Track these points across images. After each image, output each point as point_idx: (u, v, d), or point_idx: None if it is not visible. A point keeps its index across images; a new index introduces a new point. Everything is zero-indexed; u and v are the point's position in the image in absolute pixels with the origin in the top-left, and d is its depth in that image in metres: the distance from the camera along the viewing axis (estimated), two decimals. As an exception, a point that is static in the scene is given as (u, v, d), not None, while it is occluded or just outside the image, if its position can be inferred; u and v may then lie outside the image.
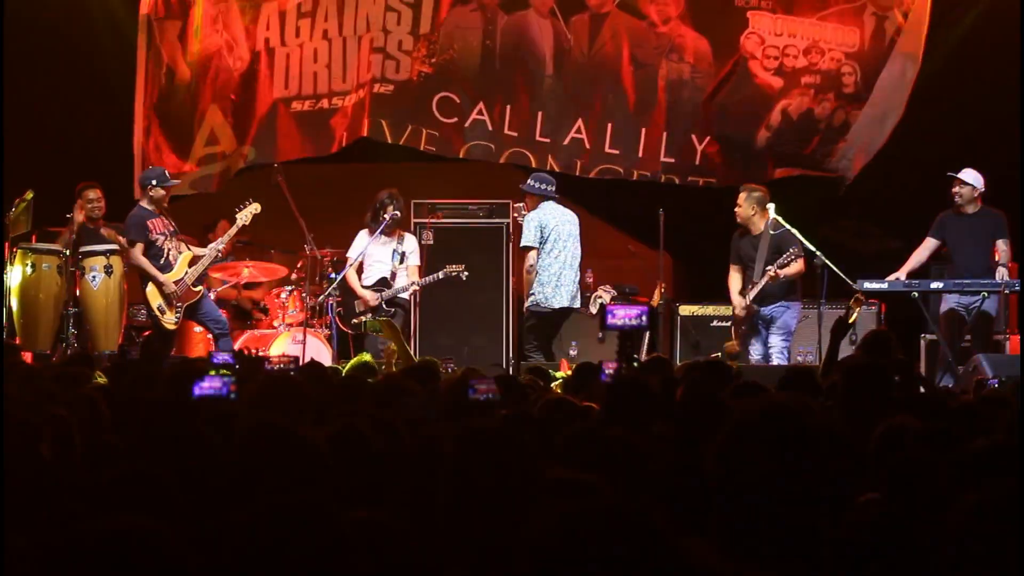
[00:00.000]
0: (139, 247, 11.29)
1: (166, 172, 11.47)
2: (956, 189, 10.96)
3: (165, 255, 11.33)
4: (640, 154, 12.33)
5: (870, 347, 7.02)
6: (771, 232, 10.88)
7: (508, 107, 12.35)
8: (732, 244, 11.18)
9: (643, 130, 12.33)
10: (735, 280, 11.14)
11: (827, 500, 3.35)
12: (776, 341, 10.90)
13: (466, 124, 12.33)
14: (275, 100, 12.52)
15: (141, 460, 3.77)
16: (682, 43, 12.35)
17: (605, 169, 12.36)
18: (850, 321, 7.71)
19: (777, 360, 10.76)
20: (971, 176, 10.95)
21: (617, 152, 12.34)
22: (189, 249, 11.50)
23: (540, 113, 12.34)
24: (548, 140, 12.28)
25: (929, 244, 11.08)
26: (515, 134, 12.30)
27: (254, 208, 11.46)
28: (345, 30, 12.43)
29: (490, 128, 12.30)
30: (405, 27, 12.39)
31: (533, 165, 12.16)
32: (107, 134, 12.87)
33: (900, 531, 3.40)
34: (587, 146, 12.34)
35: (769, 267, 10.75)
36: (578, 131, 12.33)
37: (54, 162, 12.73)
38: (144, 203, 11.38)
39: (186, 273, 11.32)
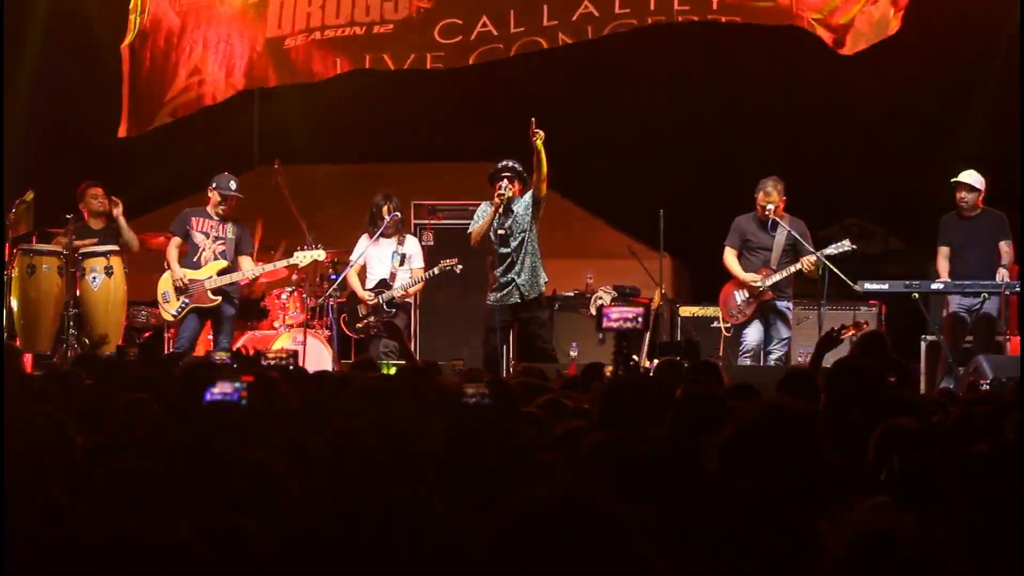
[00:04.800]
0: (175, 240, 11.48)
1: (229, 182, 11.41)
2: (962, 195, 10.92)
3: (199, 254, 11.40)
4: (652, 7, 12.13)
5: (865, 348, 6.98)
6: (791, 224, 10.78)
7: (512, 11, 12.29)
8: (736, 226, 10.97)
9: None
10: (735, 262, 10.93)
11: (826, 499, 3.34)
12: (777, 348, 10.83)
13: (471, 38, 12.32)
14: (267, 39, 12.58)
15: (141, 460, 3.77)
16: None
17: (617, 25, 12.15)
18: (841, 338, 7.66)
19: (775, 364, 10.67)
20: (976, 180, 10.92)
21: (627, 11, 12.18)
22: (220, 258, 11.42)
23: (545, 6, 12.26)
24: (556, 22, 12.17)
25: (945, 252, 11.04)
26: (522, 29, 12.25)
27: (317, 254, 11.44)
28: None
29: (496, 33, 12.25)
30: None
31: (545, 46, 12.05)
32: (107, 135, 12.88)
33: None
34: (596, 14, 12.19)
35: (812, 256, 10.58)
36: (584, 8, 12.22)
37: (54, 163, 12.74)
38: (210, 201, 11.48)
39: (209, 278, 11.34)
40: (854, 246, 10.66)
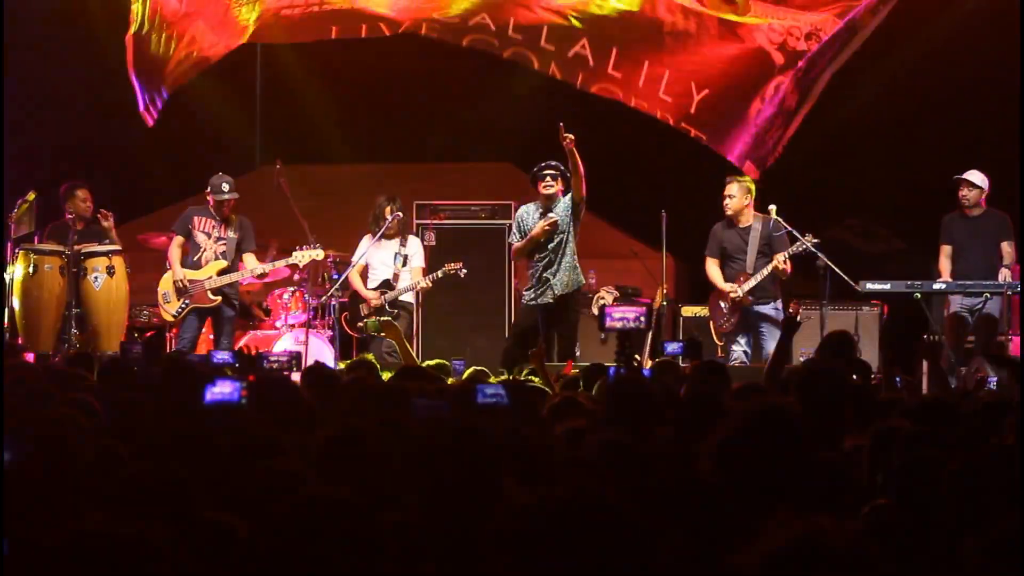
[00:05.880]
0: (177, 239, 11.50)
1: (222, 184, 11.38)
2: (964, 192, 10.94)
3: (200, 253, 11.42)
4: (641, 84, 12.24)
5: (832, 348, 6.93)
6: (762, 225, 10.81)
7: (511, 19, 12.33)
8: (713, 235, 10.99)
9: (646, 60, 12.24)
10: (717, 272, 10.97)
11: (821, 498, 3.34)
12: (770, 343, 10.81)
13: (469, 23, 12.32)
14: (264, 9, 12.54)
15: (142, 462, 3.76)
16: (687, 11, 12.27)
17: (604, 88, 12.25)
18: (798, 320, 7.68)
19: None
20: (978, 178, 10.93)
21: (619, 75, 12.27)
22: (220, 258, 11.43)
23: (545, 27, 12.31)
24: (552, 48, 12.23)
25: (947, 251, 11.05)
26: (519, 37, 12.28)
27: (316, 253, 11.44)
28: None
29: (493, 28, 12.28)
30: None
31: (536, 67, 12.10)
32: (108, 135, 12.89)
33: (907, 535, 3.39)
34: (591, 63, 12.27)
35: (781, 255, 10.62)
36: (583, 47, 12.29)
37: (55, 163, 12.75)
38: (209, 202, 11.49)
39: (209, 278, 11.35)
40: (816, 240, 10.64)
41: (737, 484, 3.21)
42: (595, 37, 12.22)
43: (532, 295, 10.80)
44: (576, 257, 10.80)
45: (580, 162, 10.43)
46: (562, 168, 10.72)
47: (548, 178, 10.73)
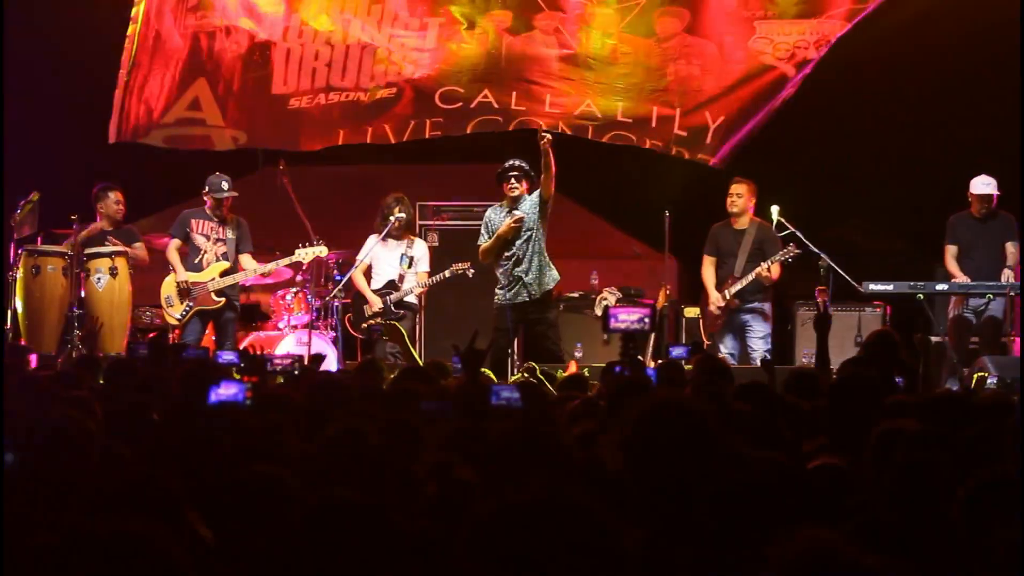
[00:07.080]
0: (174, 242, 11.48)
1: (221, 183, 11.42)
2: (983, 205, 10.96)
3: (201, 256, 11.39)
4: (653, 124, 12.32)
5: (874, 348, 6.94)
6: (757, 230, 10.94)
7: (514, 92, 12.39)
8: (711, 234, 11.21)
9: (655, 107, 12.32)
10: (710, 272, 11.18)
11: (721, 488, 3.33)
12: (759, 345, 10.91)
13: (472, 106, 12.40)
14: (271, 95, 12.57)
15: (146, 465, 3.76)
16: (689, 51, 12.34)
17: (616, 135, 12.36)
18: (826, 312, 7.77)
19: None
20: (992, 187, 10.94)
21: (629, 121, 12.35)
22: (221, 259, 11.45)
23: (548, 93, 12.38)
24: (558, 110, 12.31)
25: (953, 251, 11.08)
26: (523, 107, 12.36)
27: (319, 250, 11.45)
28: (349, 40, 12.54)
29: (496, 106, 12.36)
30: (411, 44, 12.49)
31: (543, 128, 12.18)
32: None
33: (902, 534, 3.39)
34: (598, 115, 12.35)
35: (764, 263, 10.78)
36: (588, 106, 12.36)
37: (59, 165, 12.74)
38: (207, 203, 11.49)
39: (212, 280, 11.36)
40: (799, 251, 10.72)
41: (646, 481, 3.20)
42: (598, 92, 12.30)
43: (505, 295, 10.83)
44: (547, 256, 10.80)
45: (553, 162, 10.47)
46: (526, 168, 10.77)
47: (513, 179, 10.81)
